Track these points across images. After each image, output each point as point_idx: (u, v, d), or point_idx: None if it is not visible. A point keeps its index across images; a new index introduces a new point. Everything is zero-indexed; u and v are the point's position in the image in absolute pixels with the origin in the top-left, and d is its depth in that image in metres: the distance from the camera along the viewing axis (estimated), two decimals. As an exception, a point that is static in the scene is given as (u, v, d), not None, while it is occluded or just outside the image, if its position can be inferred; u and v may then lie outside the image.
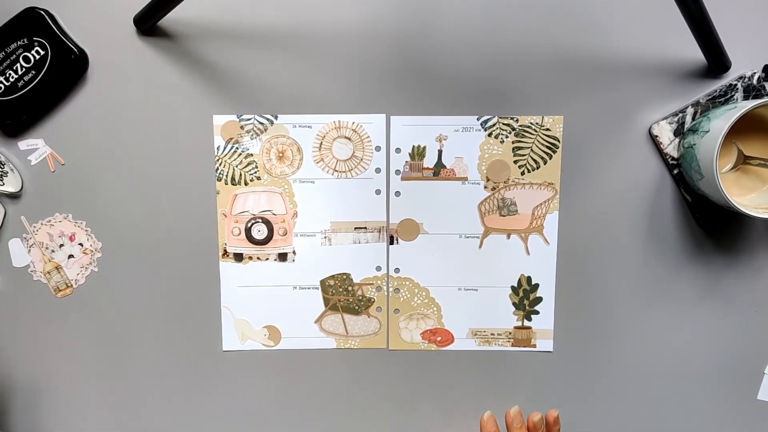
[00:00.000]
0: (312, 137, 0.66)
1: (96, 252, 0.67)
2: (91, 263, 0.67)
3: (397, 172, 0.66)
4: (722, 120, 0.57)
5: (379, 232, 0.67)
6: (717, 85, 0.64)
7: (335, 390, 0.68)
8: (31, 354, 0.68)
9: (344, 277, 0.67)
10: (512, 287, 0.67)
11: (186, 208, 0.66)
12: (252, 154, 0.66)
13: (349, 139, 0.66)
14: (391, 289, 0.67)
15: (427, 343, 0.68)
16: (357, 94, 0.65)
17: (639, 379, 0.68)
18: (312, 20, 0.64)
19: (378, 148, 0.66)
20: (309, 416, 0.69)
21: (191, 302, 0.67)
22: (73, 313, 0.67)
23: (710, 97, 0.63)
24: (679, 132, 0.64)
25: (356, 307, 0.68)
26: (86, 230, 0.67)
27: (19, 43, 0.63)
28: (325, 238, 0.67)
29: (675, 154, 0.64)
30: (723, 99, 0.63)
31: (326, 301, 0.68)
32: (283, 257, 0.67)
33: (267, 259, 0.67)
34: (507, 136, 0.65)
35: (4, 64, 0.63)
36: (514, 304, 0.67)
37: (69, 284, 0.67)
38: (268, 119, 0.65)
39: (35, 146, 0.65)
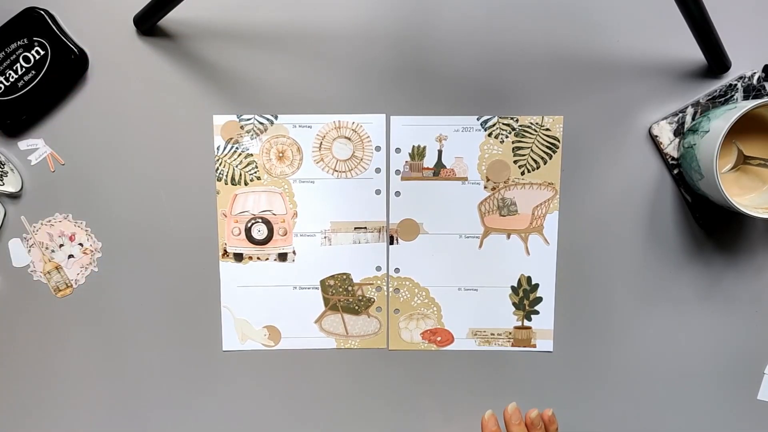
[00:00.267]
0: (312, 137, 0.66)
1: (96, 252, 0.67)
2: (91, 263, 0.67)
3: (397, 172, 0.66)
4: (722, 120, 0.57)
5: (379, 232, 0.67)
6: (717, 85, 0.64)
7: (335, 390, 0.68)
8: (31, 354, 0.68)
9: (344, 277, 0.67)
10: (512, 287, 0.67)
11: (186, 208, 0.66)
12: (252, 154, 0.66)
13: (349, 139, 0.66)
14: (391, 289, 0.67)
15: (427, 343, 0.68)
16: (357, 94, 0.65)
17: (639, 379, 0.68)
18: (312, 20, 0.64)
19: (378, 148, 0.66)
20: (309, 416, 0.69)
21: (191, 302, 0.67)
22: (73, 313, 0.67)
23: (710, 97, 0.63)
24: (679, 132, 0.64)
25: (356, 307, 0.68)
26: (86, 230, 0.67)
27: (19, 43, 0.63)
28: (325, 238, 0.67)
29: (675, 154, 0.64)
30: (723, 99, 0.63)
31: (326, 301, 0.68)
32: (283, 257, 0.67)
33: (267, 259, 0.67)
34: (507, 136, 0.65)
35: (4, 64, 0.63)
36: (514, 304, 0.67)
37: (69, 284, 0.67)
38: (268, 119, 0.65)
39: (35, 146, 0.65)
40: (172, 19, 0.64)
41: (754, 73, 0.63)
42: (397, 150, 0.66)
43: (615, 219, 0.66)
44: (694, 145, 0.60)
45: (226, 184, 0.66)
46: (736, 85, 0.63)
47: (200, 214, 0.66)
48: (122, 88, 0.65)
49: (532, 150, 0.65)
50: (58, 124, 0.65)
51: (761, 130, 0.61)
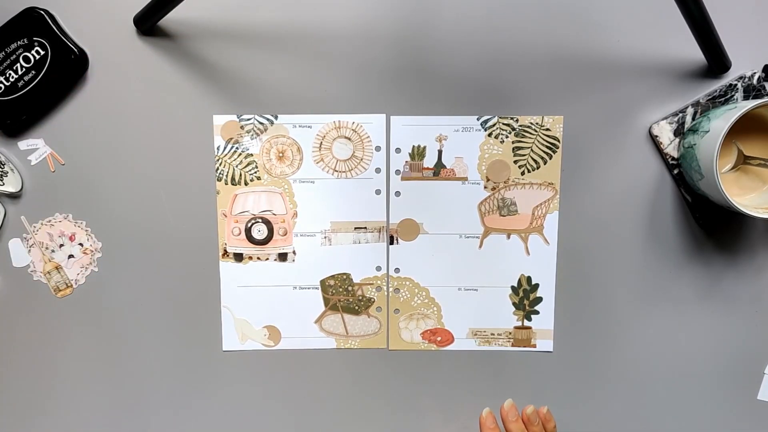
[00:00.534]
0: (312, 137, 0.66)
1: (96, 252, 0.67)
2: (91, 263, 0.67)
3: (397, 172, 0.66)
4: (722, 120, 0.57)
5: (379, 232, 0.67)
6: (717, 85, 0.64)
7: (335, 390, 0.68)
8: (31, 354, 0.68)
9: (344, 277, 0.67)
10: (512, 287, 0.67)
11: (186, 208, 0.66)
12: (252, 154, 0.66)
13: (349, 139, 0.66)
14: (391, 289, 0.67)
15: (427, 343, 0.68)
16: (357, 94, 0.65)
17: (639, 379, 0.68)
18: (312, 20, 0.64)
19: (378, 148, 0.66)
20: (309, 416, 0.69)
21: (191, 302, 0.67)
22: (73, 313, 0.67)
23: (710, 97, 0.63)
24: (679, 132, 0.64)
25: (356, 307, 0.68)
26: (86, 230, 0.67)
27: (19, 43, 0.63)
28: (325, 238, 0.67)
29: (675, 154, 0.64)
30: (723, 99, 0.63)
31: (326, 301, 0.68)
32: (283, 257, 0.67)
33: (267, 259, 0.67)
34: (507, 136, 0.65)
35: (4, 64, 0.63)
36: (514, 304, 0.67)
37: (69, 284, 0.67)
38: (268, 119, 0.65)
39: (35, 146, 0.65)
40: (172, 19, 0.64)
41: (754, 73, 0.63)
42: (397, 150, 0.66)
43: (615, 219, 0.66)
44: (694, 145, 0.60)
45: (226, 184, 0.66)
46: (736, 85, 0.63)
47: (200, 214, 0.66)
48: (122, 88, 0.65)
49: (532, 150, 0.65)
50: (58, 124, 0.65)
51: (761, 130, 0.61)
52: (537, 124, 0.65)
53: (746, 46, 0.63)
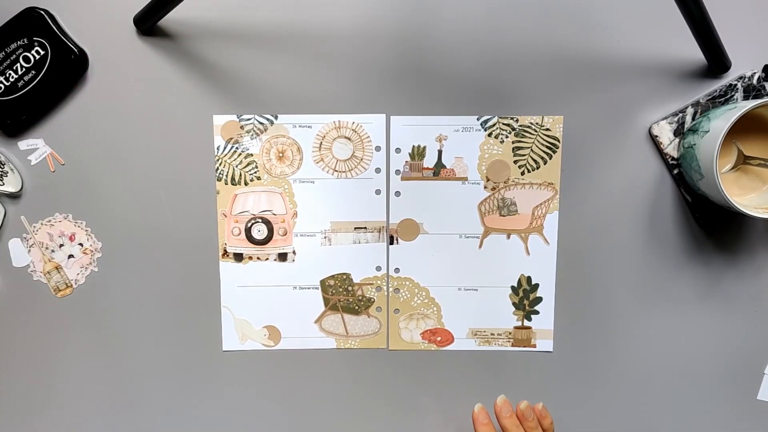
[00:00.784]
0: (312, 137, 0.66)
1: (96, 252, 0.67)
2: (91, 263, 0.67)
3: (397, 172, 0.66)
4: (722, 120, 0.57)
5: (379, 232, 0.67)
6: (717, 85, 0.64)
7: (335, 390, 0.68)
8: (31, 354, 0.68)
9: (344, 277, 0.67)
10: (512, 287, 0.67)
11: (186, 208, 0.66)
12: (252, 154, 0.66)
13: (349, 139, 0.66)
14: (391, 289, 0.67)
15: (427, 343, 0.68)
16: (357, 94, 0.65)
17: (639, 379, 0.68)
18: (312, 20, 0.64)
19: (378, 148, 0.66)
20: (309, 416, 0.69)
21: (191, 302, 0.67)
22: (73, 313, 0.67)
23: (710, 97, 0.63)
24: (679, 132, 0.64)
25: (356, 307, 0.68)
26: (86, 230, 0.67)
27: (19, 43, 0.63)
28: (325, 238, 0.67)
29: (675, 154, 0.64)
30: (723, 99, 0.63)
31: (326, 301, 0.68)
32: (283, 257, 0.67)
33: (267, 259, 0.67)
34: (507, 136, 0.65)
35: (4, 64, 0.63)
36: (514, 304, 0.67)
37: (69, 284, 0.67)
38: (268, 119, 0.65)
39: (35, 146, 0.65)
40: (172, 19, 0.64)
41: (754, 73, 0.63)
42: (397, 150, 0.66)
43: (615, 219, 0.66)
44: (694, 145, 0.60)
45: (226, 184, 0.66)
46: (736, 85, 0.63)
47: (200, 214, 0.66)
48: (122, 88, 0.65)
49: (532, 150, 0.65)
50: (58, 124, 0.65)
51: (761, 130, 0.61)
52: (537, 124, 0.65)
53: (746, 46, 0.63)
